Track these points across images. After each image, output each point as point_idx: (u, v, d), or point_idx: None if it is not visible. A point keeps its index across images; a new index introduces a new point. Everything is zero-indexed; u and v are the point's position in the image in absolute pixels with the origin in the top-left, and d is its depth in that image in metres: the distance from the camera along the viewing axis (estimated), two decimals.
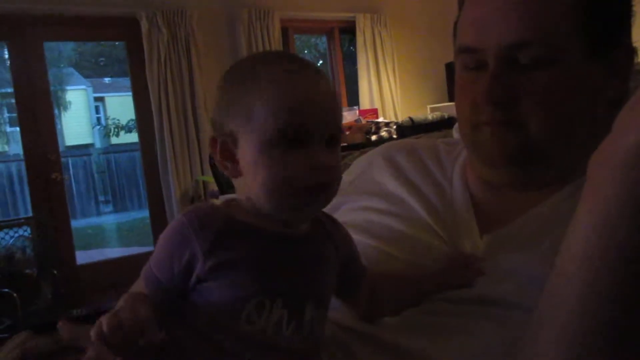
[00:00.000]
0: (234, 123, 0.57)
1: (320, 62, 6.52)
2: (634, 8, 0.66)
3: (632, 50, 0.66)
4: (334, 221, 0.65)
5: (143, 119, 4.31)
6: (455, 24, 0.71)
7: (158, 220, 4.33)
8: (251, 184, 0.56)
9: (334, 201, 0.80)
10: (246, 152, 0.56)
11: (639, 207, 0.35)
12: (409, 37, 5.39)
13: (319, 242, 0.61)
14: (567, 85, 0.62)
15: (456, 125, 0.93)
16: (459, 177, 0.74)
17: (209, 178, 4.11)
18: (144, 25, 4.10)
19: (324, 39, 5.62)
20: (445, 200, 0.72)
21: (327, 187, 0.56)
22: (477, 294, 0.60)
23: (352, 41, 5.38)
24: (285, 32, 4.99)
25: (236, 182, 0.59)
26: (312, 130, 0.55)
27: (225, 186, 3.80)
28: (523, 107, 0.62)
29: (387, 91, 5.29)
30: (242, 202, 0.59)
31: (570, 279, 0.40)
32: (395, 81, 5.35)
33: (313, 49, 6.66)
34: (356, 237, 0.66)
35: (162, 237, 0.56)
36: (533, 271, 0.56)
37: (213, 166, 3.89)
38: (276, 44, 4.77)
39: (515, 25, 0.61)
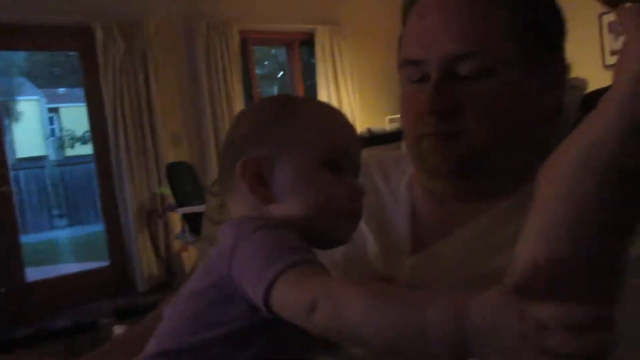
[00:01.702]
0: (273, 149, 0.57)
1: (281, 73, 6.53)
2: (567, 25, 0.69)
3: (566, 65, 0.69)
4: None
5: (98, 130, 4.20)
6: (400, 39, 0.73)
7: (114, 234, 4.22)
8: (290, 209, 0.56)
9: None
10: (286, 175, 0.56)
11: (580, 218, 0.36)
12: (368, 48, 5.46)
13: None
14: (506, 96, 0.64)
15: None
16: (404, 191, 0.75)
17: (166, 190, 4.04)
18: (99, 36, 4.02)
19: (284, 50, 5.64)
20: (386, 213, 0.73)
21: (359, 214, 0.59)
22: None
23: (312, 53, 5.42)
24: (244, 43, 4.98)
25: (263, 209, 0.58)
26: (348, 159, 0.59)
27: (183, 199, 3.75)
28: (465, 117, 0.63)
29: (346, 103, 5.34)
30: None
31: None
32: (354, 93, 5.41)
33: (273, 60, 6.67)
34: None
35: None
36: (460, 286, 0.57)
37: (171, 178, 3.83)
38: (235, 56, 4.75)
39: (456, 38, 0.63)
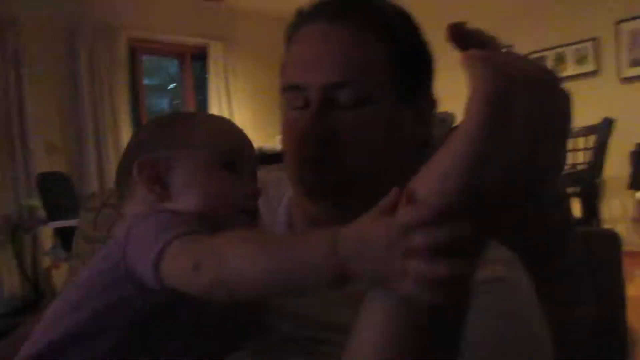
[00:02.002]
0: (171, 151, 0.60)
1: (172, 85, 6.34)
2: (437, 64, 0.75)
3: (433, 101, 0.74)
4: None
5: None
6: (282, 65, 0.74)
7: None
8: (185, 205, 0.58)
9: None
10: (183, 175, 0.59)
11: None
12: (261, 67, 5.48)
13: None
14: (381, 126, 0.68)
15: None
16: (283, 213, 0.76)
17: (37, 203, 3.72)
18: None
19: (176, 62, 5.49)
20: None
21: (256, 214, 0.62)
22: (286, 331, 0.62)
23: (204, 67, 5.34)
24: (132, 52, 4.78)
25: (160, 208, 0.59)
26: (243, 161, 0.61)
27: (56, 212, 3.47)
28: (343, 143, 0.66)
29: (239, 120, 5.31)
30: None
31: None
32: (246, 110, 5.40)
33: (164, 72, 6.46)
34: None
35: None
36: (327, 317, 0.59)
37: (43, 190, 3.53)
38: (122, 64, 4.54)
39: (336, 67, 0.66)
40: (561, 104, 0.39)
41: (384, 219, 0.36)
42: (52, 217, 3.47)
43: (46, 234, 3.95)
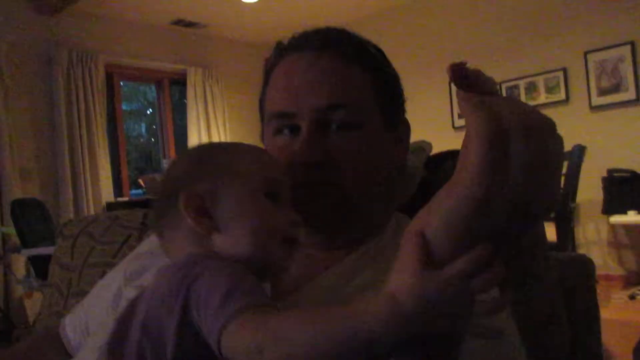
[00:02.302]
0: (215, 182, 0.59)
1: (150, 111, 6.32)
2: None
3: (408, 126, 0.77)
4: None
5: None
6: (262, 97, 0.76)
7: None
8: (234, 236, 0.58)
9: (144, 263, 0.77)
10: (229, 205, 0.58)
11: None
12: (240, 93, 5.52)
13: None
14: (370, 149, 0.70)
15: None
16: None
17: (10, 230, 3.63)
18: None
19: (154, 87, 5.49)
20: None
21: (299, 242, 0.61)
22: None
23: (183, 92, 5.34)
24: (110, 77, 4.77)
25: (207, 242, 0.59)
26: (285, 191, 0.61)
27: (30, 240, 3.39)
28: (335, 167, 0.67)
29: None
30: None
31: None
32: (225, 135, 5.41)
33: (142, 97, 6.44)
34: None
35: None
36: None
37: (16, 216, 3.46)
38: (100, 90, 4.52)
39: (326, 92, 0.68)
40: (556, 145, 0.40)
41: (431, 271, 0.39)
42: (25, 244, 3.39)
43: (19, 262, 3.86)
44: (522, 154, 0.38)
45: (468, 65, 0.43)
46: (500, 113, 0.39)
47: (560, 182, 0.43)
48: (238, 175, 0.60)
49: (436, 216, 0.40)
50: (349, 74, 0.70)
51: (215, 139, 5.29)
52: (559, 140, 0.41)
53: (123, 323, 0.56)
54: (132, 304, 0.57)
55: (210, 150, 0.66)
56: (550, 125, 0.40)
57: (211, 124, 5.29)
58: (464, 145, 0.40)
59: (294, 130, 0.69)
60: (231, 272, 0.52)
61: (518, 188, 0.38)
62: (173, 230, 0.61)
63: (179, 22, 5.05)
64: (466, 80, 0.42)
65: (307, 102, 0.68)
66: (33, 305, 3.79)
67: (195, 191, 0.59)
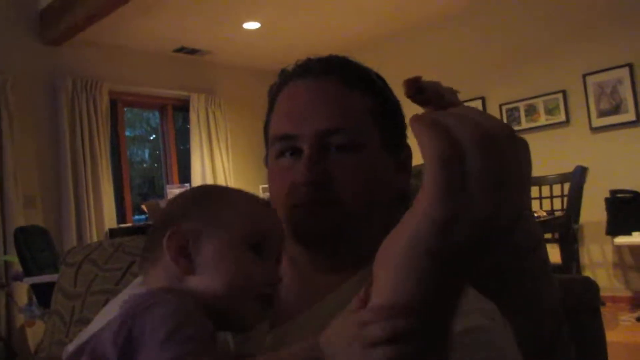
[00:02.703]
0: (202, 225, 0.60)
1: (153, 136, 6.36)
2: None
3: (410, 152, 0.78)
4: None
5: None
6: (266, 122, 0.77)
7: None
8: (207, 282, 0.58)
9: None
10: (210, 250, 0.59)
11: (411, 306, 0.40)
12: (242, 118, 5.57)
13: None
14: (370, 170, 0.72)
15: None
16: None
17: (13, 258, 3.63)
18: None
19: (157, 114, 5.54)
20: None
21: (273, 301, 0.61)
22: None
23: (186, 118, 5.39)
24: (114, 104, 4.82)
25: (181, 281, 0.59)
26: (270, 247, 0.61)
27: (33, 267, 3.39)
28: (336, 187, 0.69)
29: (220, 169, 5.33)
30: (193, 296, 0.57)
31: None
32: (228, 160, 5.43)
33: (145, 124, 6.50)
34: None
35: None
36: None
37: (20, 244, 3.46)
38: (104, 116, 4.57)
39: (326, 116, 0.70)
40: (519, 154, 0.39)
41: (351, 316, 0.43)
42: (28, 272, 3.38)
43: (22, 290, 3.84)
44: (478, 169, 0.37)
45: (423, 78, 0.42)
46: (451, 130, 0.38)
47: (525, 189, 0.41)
48: (223, 223, 0.60)
49: (399, 239, 0.40)
50: (349, 98, 0.72)
51: (218, 164, 5.32)
52: (520, 145, 0.39)
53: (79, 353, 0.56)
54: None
55: (206, 192, 0.67)
56: (507, 133, 0.39)
57: (214, 149, 5.33)
58: (423, 170, 0.39)
59: (296, 152, 0.71)
60: (181, 312, 0.52)
61: (478, 205, 0.37)
62: (153, 265, 0.61)
63: (182, 50, 5.12)
64: (422, 95, 0.41)
65: (308, 125, 0.70)
66: (35, 334, 3.76)
67: (180, 230, 0.60)
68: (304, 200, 0.69)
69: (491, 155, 0.37)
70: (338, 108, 0.71)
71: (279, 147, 0.73)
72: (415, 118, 0.40)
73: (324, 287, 0.71)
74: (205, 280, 0.58)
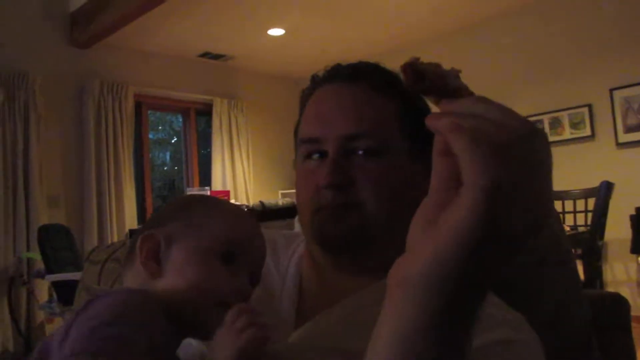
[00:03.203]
0: (177, 228, 0.61)
1: (174, 139, 6.43)
2: None
3: None
4: None
5: None
6: (297, 126, 0.78)
7: None
8: (171, 285, 0.59)
9: None
10: (180, 253, 0.60)
11: (434, 323, 0.39)
12: (264, 123, 5.60)
13: None
14: (394, 176, 0.71)
15: (297, 217, 0.97)
16: (293, 273, 0.77)
17: (36, 255, 3.69)
18: None
19: (180, 117, 5.61)
20: (275, 295, 0.74)
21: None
22: None
23: (208, 122, 5.44)
24: (138, 107, 4.89)
25: (150, 284, 0.60)
26: (245, 260, 0.61)
27: (55, 265, 3.44)
28: (359, 191, 0.69)
29: (240, 174, 5.36)
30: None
31: None
32: (248, 165, 5.46)
33: (168, 127, 6.58)
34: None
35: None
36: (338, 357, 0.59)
37: (42, 242, 3.52)
38: (128, 118, 4.63)
39: (351, 120, 0.71)
40: (544, 150, 0.38)
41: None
42: (50, 270, 3.43)
43: (43, 287, 3.90)
44: (513, 185, 0.35)
45: (421, 60, 0.40)
46: (495, 153, 0.36)
47: (550, 188, 0.39)
48: (195, 229, 0.61)
49: (425, 255, 0.38)
50: (376, 103, 0.73)
51: (239, 168, 5.35)
52: (544, 141, 0.38)
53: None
54: None
55: (188, 201, 0.69)
56: (530, 130, 0.38)
57: (235, 153, 5.36)
58: (461, 190, 0.37)
59: (322, 155, 0.72)
60: (115, 311, 0.51)
61: (510, 221, 0.36)
62: (130, 267, 0.63)
63: (206, 55, 5.18)
64: (423, 83, 0.40)
65: (333, 129, 0.71)
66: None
67: (153, 235, 0.61)
68: (326, 203, 0.69)
69: (519, 161, 0.36)
70: (364, 112, 0.71)
71: (305, 149, 0.74)
72: (436, 117, 0.38)
73: (346, 289, 0.71)
74: (170, 282, 0.59)
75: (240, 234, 0.63)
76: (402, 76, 0.40)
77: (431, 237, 0.39)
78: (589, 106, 4.27)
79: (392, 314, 0.42)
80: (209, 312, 0.58)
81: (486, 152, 0.36)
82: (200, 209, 0.64)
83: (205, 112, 5.43)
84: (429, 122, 0.40)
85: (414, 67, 0.39)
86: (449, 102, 0.41)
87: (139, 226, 4.72)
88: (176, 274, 0.59)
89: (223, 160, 5.30)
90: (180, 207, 0.66)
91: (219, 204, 0.67)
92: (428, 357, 0.40)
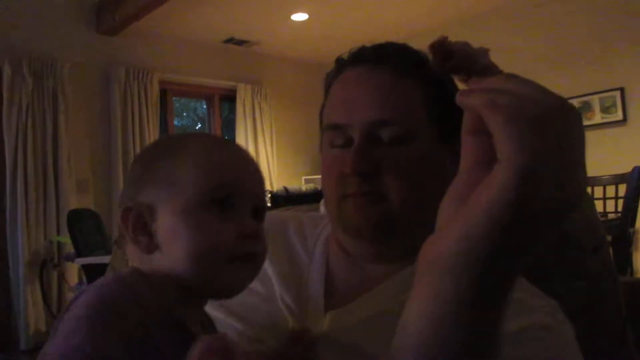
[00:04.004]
0: (154, 193, 0.53)
1: (199, 126, 6.49)
2: None
3: None
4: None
5: None
6: (322, 110, 0.77)
7: None
8: (172, 256, 0.51)
9: None
10: (167, 220, 0.51)
11: (464, 303, 0.39)
12: (287, 110, 5.60)
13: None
14: (421, 164, 0.69)
15: (323, 200, 0.96)
16: (320, 252, 0.77)
17: (66, 239, 3.78)
18: (6, 71, 3.82)
19: (204, 103, 5.64)
20: (302, 277, 0.74)
21: (256, 258, 0.54)
22: None
23: (232, 108, 5.46)
24: (163, 93, 4.93)
25: (149, 259, 0.52)
26: (241, 196, 0.53)
27: (85, 249, 3.52)
28: (385, 179, 0.68)
29: (264, 160, 5.39)
30: (155, 280, 0.51)
31: None
32: (272, 151, 5.48)
33: (192, 113, 6.63)
34: (212, 312, 0.65)
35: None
36: (371, 348, 0.58)
37: (72, 226, 3.59)
38: (154, 105, 4.68)
39: (377, 106, 0.69)
40: (577, 127, 0.37)
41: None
42: (79, 253, 3.52)
43: (73, 270, 4.00)
44: (552, 176, 0.35)
45: (449, 39, 0.39)
46: (530, 131, 0.35)
47: (583, 165, 0.38)
48: (175, 185, 0.52)
49: (454, 234, 0.38)
50: (402, 88, 0.70)
51: (262, 154, 5.37)
52: (577, 117, 0.37)
53: None
54: None
55: (161, 150, 0.57)
56: (566, 107, 0.37)
57: (259, 139, 5.38)
58: (493, 169, 0.36)
59: (348, 142, 0.70)
60: (89, 321, 0.44)
61: (545, 202, 0.35)
62: (126, 243, 0.54)
63: (230, 40, 5.19)
64: (452, 62, 0.39)
65: (358, 115, 0.69)
66: None
67: (132, 206, 0.53)
68: (352, 191, 0.68)
69: (555, 137, 0.35)
70: (389, 98, 0.69)
71: (330, 136, 0.73)
72: (467, 94, 0.37)
73: (376, 276, 0.70)
74: (170, 255, 0.51)
75: (228, 172, 0.54)
76: (430, 56, 0.40)
77: (462, 216, 0.38)
78: (621, 89, 4.15)
79: (422, 294, 0.41)
80: (222, 274, 0.51)
81: (523, 128, 0.35)
82: (175, 156, 0.54)
83: (229, 98, 5.45)
84: (461, 99, 0.39)
85: (442, 46, 0.39)
86: (478, 80, 0.40)
87: None
88: (172, 243, 0.51)
89: (247, 146, 5.32)
90: (151, 161, 0.55)
91: (196, 139, 0.57)
92: (458, 339, 0.39)
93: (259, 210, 0.56)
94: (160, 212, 0.52)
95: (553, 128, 0.36)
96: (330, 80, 0.77)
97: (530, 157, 0.35)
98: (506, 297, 0.39)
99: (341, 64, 0.76)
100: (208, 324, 0.59)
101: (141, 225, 0.52)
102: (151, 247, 0.52)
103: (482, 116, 0.37)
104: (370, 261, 0.73)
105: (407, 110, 0.69)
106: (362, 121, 0.68)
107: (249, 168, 0.56)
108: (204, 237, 0.51)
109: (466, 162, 0.41)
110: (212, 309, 0.66)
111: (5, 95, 3.81)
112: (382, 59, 0.72)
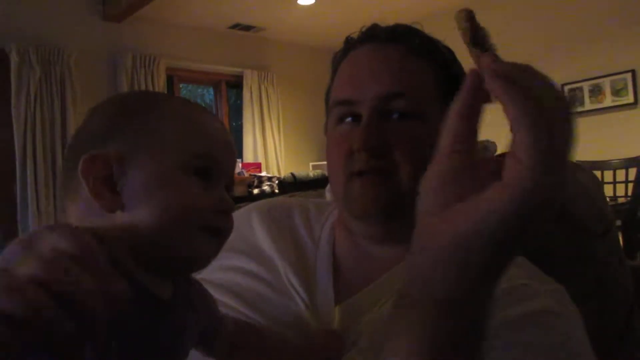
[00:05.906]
0: (128, 145, 0.47)
1: None
2: None
3: None
4: (198, 286, 0.58)
5: (2, 159, 3.93)
6: (328, 90, 0.76)
7: None
8: (138, 218, 0.46)
9: None
10: (140, 179, 0.46)
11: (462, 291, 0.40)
12: (294, 96, 5.58)
13: (180, 311, 0.51)
14: (431, 140, 0.67)
15: (328, 186, 0.96)
16: (326, 239, 0.76)
17: None
18: (14, 59, 3.83)
19: (211, 90, 5.63)
20: (310, 264, 0.74)
21: (223, 234, 0.51)
22: None
23: (239, 95, 5.45)
24: (170, 80, 4.92)
25: (101, 221, 0.46)
26: (219, 171, 0.50)
27: None
28: (394, 155, 0.67)
29: (271, 146, 5.38)
30: (116, 239, 0.45)
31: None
32: (279, 137, 5.47)
33: (199, 99, 6.62)
34: (220, 298, 0.65)
35: None
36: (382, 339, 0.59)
37: None
38: (161, 92, 4.68)
39: (387, 80, 0.68)
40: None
41: None
42: None
43: None
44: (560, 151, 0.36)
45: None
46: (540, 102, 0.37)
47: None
48: (159, 142, 0.48)
49: (465, 220, 0.39)
50: (413, 65, 0.70)
51: (270, 140, 5.36)
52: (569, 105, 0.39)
53: None
54: None
55: (136, 102, 0.53)
56: (561, 95, 0.38)
57: (266, 125, 5.37)
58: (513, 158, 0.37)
59: (356, 119, 0.69)
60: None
61: (552, 183, 0.36)
62: (73, 199, 0.49)
63: (237, 26, 5.16)
64: (477, 33, 0.40)
65: (368, 90, 0.68)
66: None
67: (100, 155, 0.47)
68: (360, 168, 0.67)
69: (570, 128, 0.37)
70: (401, 73, 0.69)
71: (339, 112, 0.71)
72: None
73: (384, 260, 0.70)
74: (134, 215, 0.46)
75: (214, 142, 0.51)
76: (458, 22, 0.40)
77: (475, 203, 0.38)
78: (632, 72, 4.09)
79: (417, 281, 0.43)
80: (191, 239, 0.48)
81: (550, 119, 0.36)
82: (155, 115, 0.50)
83: (236, 85, 5.44)
84: (489, 81, 0.39)
85: (472, 17, 0.39)
86: (493, 60, 0.40)
87: None
88: (143, 202, 0.46)
89: (254, 132, 5.32)
90: (126, 115, 0.50)
91: (178, 106, 0.53)
92: (447, 329, 0.40)
93: (229, 188, 0.53)
94: (133, 168, 0.47)
95: (570, 120, 0.37)
96: (338, 60, 0.76)
97: (552, 145, 0.36)
98: (497, 279, 0.40)
99: (350, 42, 0.75)
100: (200, 306, 0.56)
101: (106, 179, 0.46)
102: (114, 205, 0.46)
103: (503, 103, 0.38)
104: (377, 242, 0.72)
105: (418, 87, 0.69)
106: (372, 96, 0.67)
107: (230, 144, 0.54)
108: (183, 200, 0.47)
109: (447, 144, 0.43)
110: (227, 297, 0.66)
111: (13, 83, 3.82)
112: (394, 38, 0.71)
